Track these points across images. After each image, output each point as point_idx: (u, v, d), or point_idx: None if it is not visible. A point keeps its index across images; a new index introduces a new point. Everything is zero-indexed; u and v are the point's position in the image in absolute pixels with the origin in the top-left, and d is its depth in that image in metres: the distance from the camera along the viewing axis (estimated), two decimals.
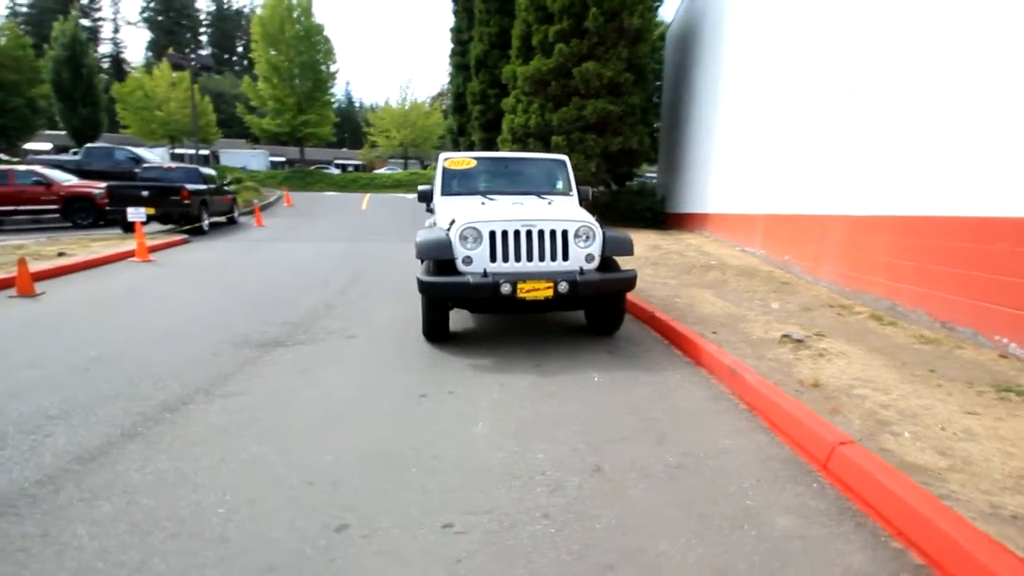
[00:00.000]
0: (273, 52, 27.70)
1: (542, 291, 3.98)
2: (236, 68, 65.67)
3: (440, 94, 62.20)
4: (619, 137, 12.63)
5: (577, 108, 12.17)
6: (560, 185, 5.41)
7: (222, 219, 13.54)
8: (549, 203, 4.91)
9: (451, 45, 23.44)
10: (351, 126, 62.96)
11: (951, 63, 4.26)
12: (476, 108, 15.92)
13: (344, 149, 60.28)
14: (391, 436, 2.72)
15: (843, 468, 2.26)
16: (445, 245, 4.07)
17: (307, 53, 27.95)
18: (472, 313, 4.99)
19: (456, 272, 4.10)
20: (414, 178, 33.36)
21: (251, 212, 15.33)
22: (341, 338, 4.48)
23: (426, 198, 5.31)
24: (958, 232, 3.96)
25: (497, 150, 16.23)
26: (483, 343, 4.42)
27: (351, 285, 6.78)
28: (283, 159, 46.24)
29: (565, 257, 4.18)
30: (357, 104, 75.17)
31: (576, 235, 4.21)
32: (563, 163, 5.55)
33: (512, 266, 4.10)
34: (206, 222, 12.14)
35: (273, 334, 4.54)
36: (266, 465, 2.42)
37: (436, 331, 4.36)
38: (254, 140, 44.65)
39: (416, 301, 4.51)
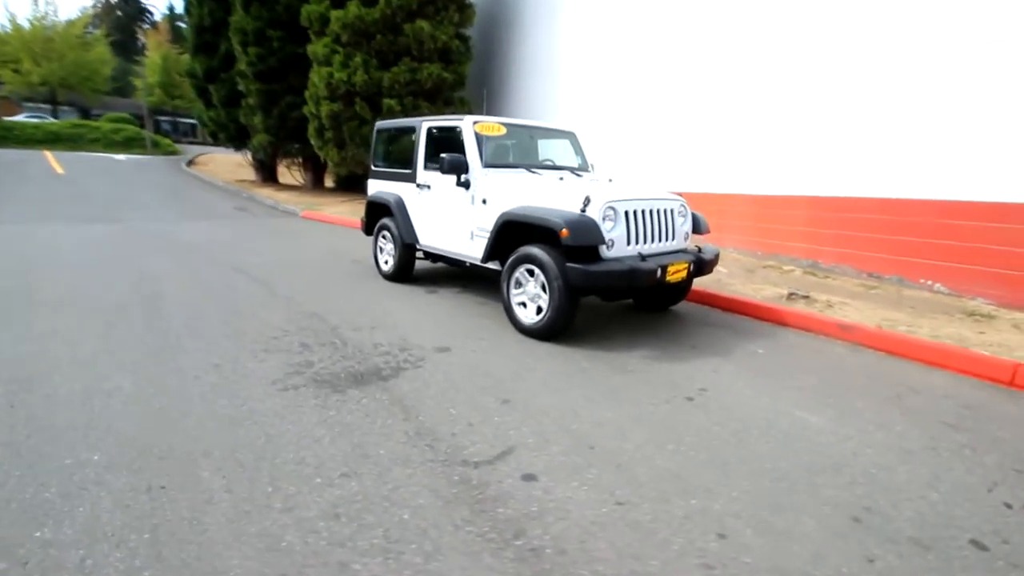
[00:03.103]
0: None
1: (681, 272, 3.92)
2: None
3: (97, 6, 46.58)
4: (451, 107, 12.25)
5: (410, 71, 11.23)
6: (580, 160, 5.18)
7: None
8: (604, 179, 4.70)
9: None
10: None
11: (853, 59, 5.82)
12: (252, 51, 12.77)
13: None
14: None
15: None
16: (596, 228, 3.55)
17: None
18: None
19: (596, 258, 3.64)
20: (81, 131, 24.83)
21: None
22: None
23: (459, 169, 4.35)
24: (876, 208, 5.58)
25: (285, 104, 13.55)
26: (579, 338, 4.05)
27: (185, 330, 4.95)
28: None
29: (673, 236, 4.17)
30: None
31: (679, 213, 4.24)
32: (576, 136, 5.31)
33: (643, 248, 3.87)
34: None
35: None
36: None
37: (566, 326, 3.81)
38: None
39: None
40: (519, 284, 3.94)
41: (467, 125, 4.48)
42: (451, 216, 4.64)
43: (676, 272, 3.82)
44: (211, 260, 6.27)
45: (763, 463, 2.30)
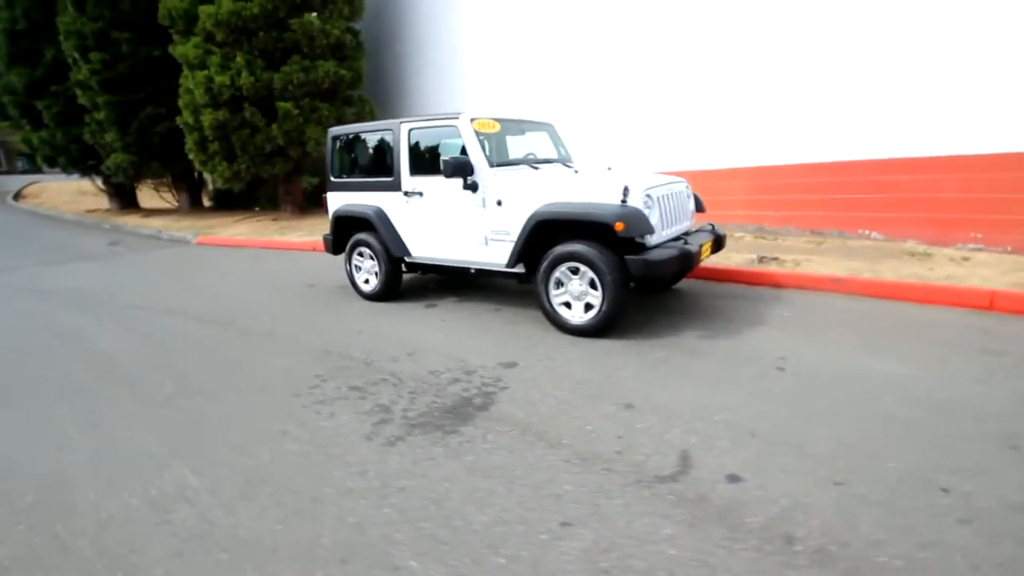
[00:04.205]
0: None
1: (708, 251, 4.05)
2: None
3: None
4: (351, 107, 11.43)
5: (303, 70, 10.25)
6: (563, 152, 5.10)
7: None
8: (603, 168, 4.67)
9: None
10: None
11: (779, 39, 6.42)
12: (95, 57, 10.61)
13: None
14: None
15: (1009, 302, 3.78)
16: (645, 218, 3.51)
17: None
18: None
19: (640, 248, 3.61)
20: None
21: None
22: None
23: (464, 171, 4.04)
24: (812, 172, 6.25)
25: (146, 117, 11.58)
26: (622, 330, 4.00)
27: None
28: None
29: (686, 217, 4.28)
30: None
31: (687, 195, 4.36)
32: (554, 128, 5.20)
33: (670, 232, 3.93)
34: None
35: None
36: None
37: (618, 320, 3.72)
38: None
39: None
40: (559, 284, 3.80)
41: (465, 123, 4.18)
42: (456, 222, 4.33)
43: (705, 251, 3.95)
44: (131, 308, 5.24)
45: (902, 414, 2.47)
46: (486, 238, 4.20)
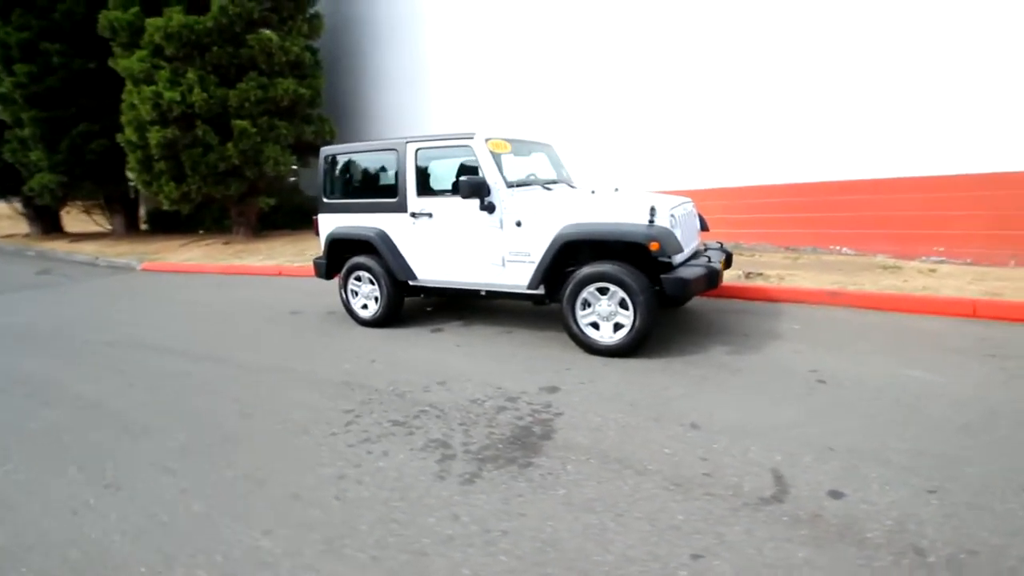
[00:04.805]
0: None
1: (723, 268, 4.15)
2: None
3: None
4: (311, 126, 11.05)
5: (260, 87, 9.81)
6: (564, 173, 5.11)
7: None
8: (611, 189, 4.71)
9: None
10: None
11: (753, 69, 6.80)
12: (20, 69, 9.57)
13: None
14: None
15: (990, 309, 4.11)
16: (675, 237, 3.55)
17: None
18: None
19: (662, 267, 3.65)
20: None
21: None
22: None
23: (480, 192, 3.95)
24: (784, 192, 6.62)
25: (78, 134, 10.60)
26: (649, 348, 4.01)
27: None
28: None
29: (695, 236, 4.38)
30: None
31: (695, 215, 4.47)
32: (553, 148, 5.20)
33: (687, 250, 4.00)
34: None
35: None
36: None
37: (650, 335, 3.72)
38: None
39: None
40: (586, 305, 3.77)
41: (480, 143, 4.10)
42: (469, 244, 4.22)
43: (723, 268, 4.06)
44: (96, 344, 4.73)
45: (956, 419, 2.59)
46: (503, 259, 4.11)
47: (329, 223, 4.94)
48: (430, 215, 4.37)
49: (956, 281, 4.99)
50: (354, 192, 4.93)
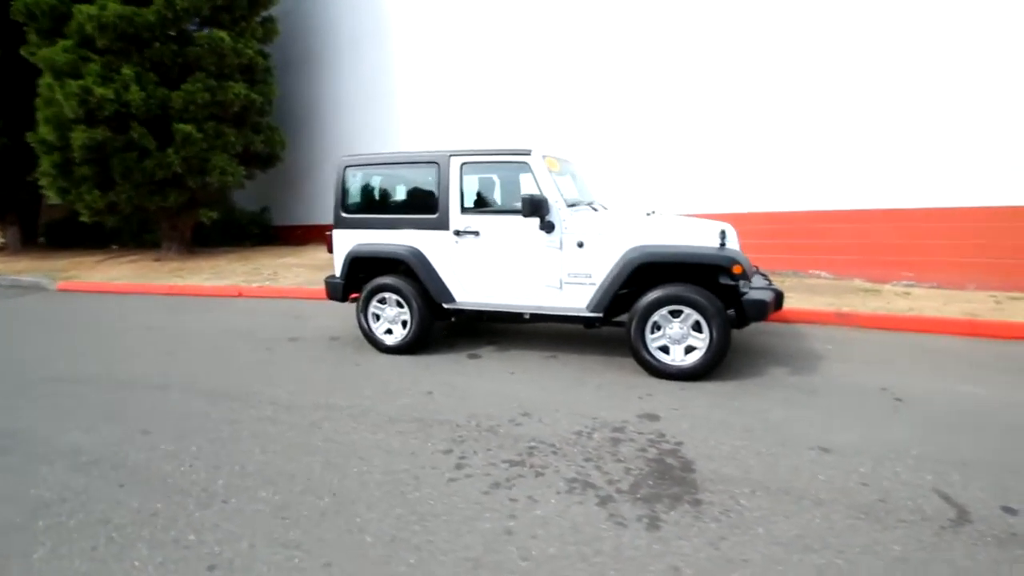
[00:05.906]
0: None
1: None
2: None
3: None
4: (260, 135, 10.20)
5: (208, 89, 8.92)
6: (588, 193, 5.04)
7: None
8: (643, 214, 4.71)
9: None
10: None
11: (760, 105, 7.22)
12: None
13: None
14: None
15: (985, 329, 4.58)
16: (748, 261, 3.59)
17: None
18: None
19: (731, 290, 3.68)
20: None
21: None
22: None
23: (541, 210, 3.77)
24: (766, 220, 7.04)
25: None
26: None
27: None
28: None
29: None
30: None
31: None
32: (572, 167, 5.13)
33: None
34: None
35: None
36: None
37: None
38: None
39: None
40: (655, 328, 3.69)
41: (538, 160, 3.94)
42: (523, 264, 4.01)
43: None
44: (59, 382, 3.92)
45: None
46: (561, 281, 3.95)
47: (348, 239, 4.50)
48: (476, 233, 4.11)
49: (932, 303, 5.54)
50: (379, 207, 4.54)
